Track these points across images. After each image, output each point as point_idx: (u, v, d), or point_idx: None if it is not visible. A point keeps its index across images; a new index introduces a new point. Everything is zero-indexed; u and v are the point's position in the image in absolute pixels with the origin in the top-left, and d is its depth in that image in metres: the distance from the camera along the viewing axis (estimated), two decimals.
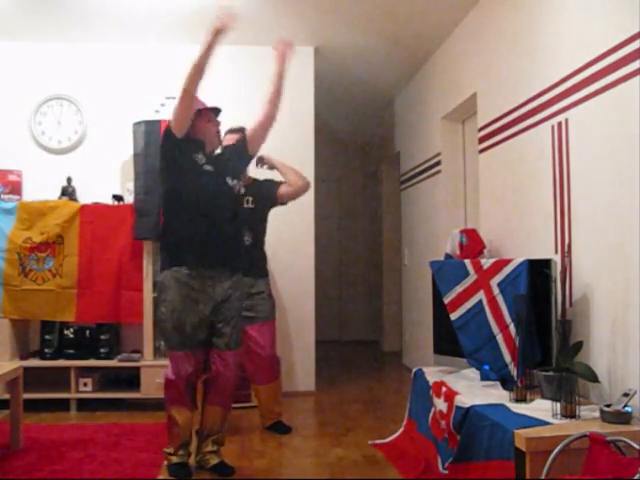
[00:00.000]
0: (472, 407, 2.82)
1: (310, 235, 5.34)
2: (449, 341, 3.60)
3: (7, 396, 3.77)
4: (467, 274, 3.44)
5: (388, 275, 7.67)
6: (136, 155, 4.68)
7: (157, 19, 4.72)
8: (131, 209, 4.67)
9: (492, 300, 3.26)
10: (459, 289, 3.48)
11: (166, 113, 4.53)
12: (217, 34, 3.03)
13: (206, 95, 3.43)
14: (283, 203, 4.16)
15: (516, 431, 2.42)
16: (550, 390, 2.77)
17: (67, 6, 4.50)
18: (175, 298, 3.18)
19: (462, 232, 4.01)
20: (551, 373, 2.82)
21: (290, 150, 5.15)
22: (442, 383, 3.26)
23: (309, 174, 5.25)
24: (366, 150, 8.73)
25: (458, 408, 2.93)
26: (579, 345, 2.89)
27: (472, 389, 3.14)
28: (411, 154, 6.28)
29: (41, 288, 4.66)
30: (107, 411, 4.59)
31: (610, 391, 2.81)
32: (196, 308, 3.18)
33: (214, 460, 3.33)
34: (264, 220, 4.17)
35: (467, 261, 3.50)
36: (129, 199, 4.83)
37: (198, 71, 3.08)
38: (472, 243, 3.93)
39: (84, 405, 4.64)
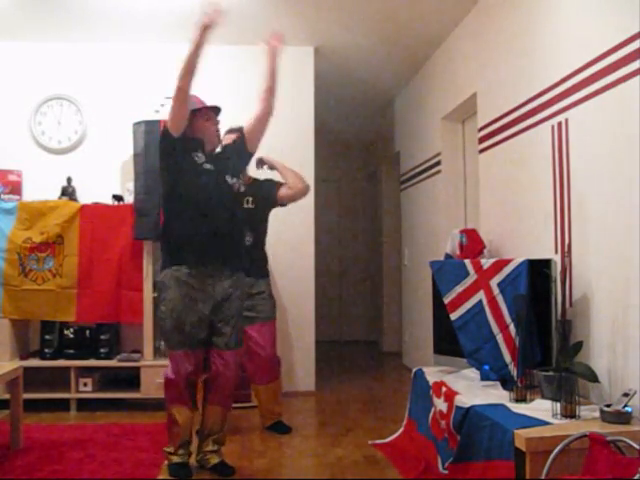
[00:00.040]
0: (472, 407, 2.82)
1: (310, 235, 5.34)
2: (449, 341, 3.60)
3: (7, 396, 3.77)
4: (467, 274, 3.44)
5: (388, 275, 7.67)
6: (136, 155, 4.68)
7: (157, 19, 4.72)
8: (131, 209, 4.67)
9: (492, 300, 3.26)
10: (459, 289, 3.48)
11: (166, 113, 4.52)
12: (205, 30, 3.04)
13: (206, 95, 3.44)
14: (283, 204, 4.16)
15: (516, 431, 2.42)
16: (550, 390, 2.77)
17: (67, 6, 4.50)
18: (175, 297, 3.18)
19: (462, 232, 4.01)
20: (551, 373, 2.83)
21: (290, 150, 5.16)
22: (442, 383, 3.26)
23: (309, 174, 5.27)
24: (366, 150, 8.74)
25: (458, 408, 2.93)
26: (579, 345, 2.89)
27: (472, 389, 3.14)
28: (411, 154, 6.28)
29: (41, 288, 4.66)
30: (107, 411, 4.59)
31: (610, 391, 2.81)
32: (196, 307, 3.18)
33: (214, 460, 3.33)
34: (265, 220, 4.17)
35: (467, 261, 3.50)
36: (129, 199, 4.83)
37: (189, 68, 3.08)
38: (472, 243, 3.93)
39: (84, 405, 4.64)
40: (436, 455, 3.18)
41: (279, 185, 4.10)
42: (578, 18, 3.13)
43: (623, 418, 2.47)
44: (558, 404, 2.60)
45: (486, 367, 3.28)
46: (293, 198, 4.13)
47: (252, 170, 4.09)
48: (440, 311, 3.68)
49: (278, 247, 4.87)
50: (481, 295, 3.34)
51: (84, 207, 4.75)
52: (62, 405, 4.59)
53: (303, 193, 4.14)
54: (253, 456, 3.62)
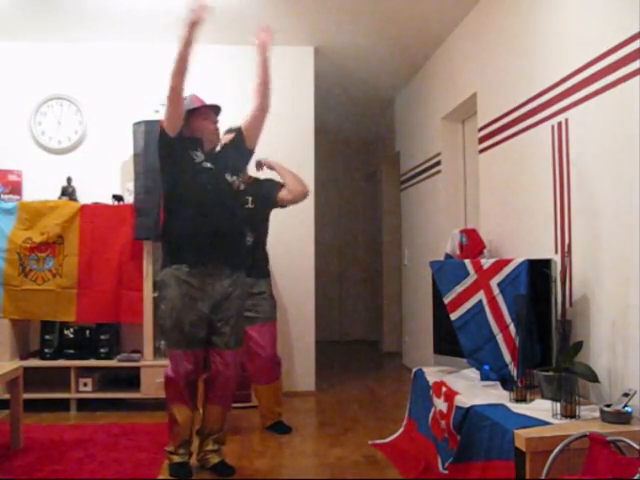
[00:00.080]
0: (472, 407, 2.82)
1: (310, 235, 5.34)
2: (449, 341, 3.60)
3: (7, 396, 3.77)
4: (467, 274, 3.44)
5: (388, 275, 7.67)
6: (136, 155, 4.68)
7: (157, 19, 4.72)
8: (131, 209, 4.67)
9: (492, 300, 3.26)
10: (459, 289, 3.48)
11: None
12: (192, 27, 3.04)
13: (207, 95, 3.44)
14: (283, 206, 4.15)
15: (516, 431, 2.42)
16: (550, 390, 2.77)
17: (67, 6, 4.50)
18: (174, 296, 3.18)
19: (462, 232, 4.01)
20: (551, 373, 2.83)
21: (290, 150, 5.16)
22: (442, 383, 3.26)
23: (309, 174, 5.27)
24: (366, 150, 8.74)
25: (458, 408, 2.93)
26: (579, 345, 2.89)
27: (472, 389, 3.13)
28: (411, 154, 6.28)
29: (41, 288, 4.66)
30: (107, 411, 4.59)
31: (610, 391, 2.81)
32: (195, 306, 3.18)
33: (215, 459, 3.33)
34: (265, 220, 4.16)
35: (467, 261, 3.50)
36: (129, 199, 4.83)
37: (180, 67, 3.09)
38: (472, 243, 3.93)
39: (84, 405, 4.64)
40: (436, 455, 3.18)
41: (280, 186, 4.09)
42: (578, 18, 3.13)
43: (623, 418, 2.47)
44: (558, 404, 2.60)
45: (486, 367, 3.28)
46: (292, 201, 4.11)
47: (252, 170, 4.09)
48: (440, 311, 3.68)
49: (278, 247, 4.86)
50: (481, 295, 3.34)
51: (84, 207, 4.75)
52: (62, 405, 4.59)
53: (302, 196, 4.12)
54: (253, 456, 3.62)
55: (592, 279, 2.97)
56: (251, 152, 3.49)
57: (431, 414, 3.35)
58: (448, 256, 3.98)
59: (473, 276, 3.40)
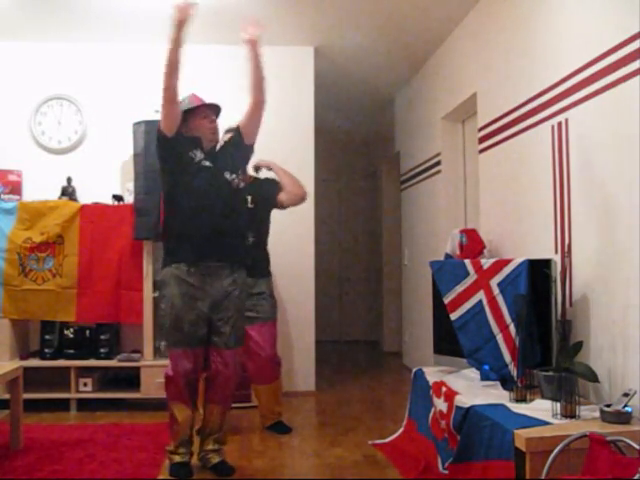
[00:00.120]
0: (472, 407, 2.82)
1: (310, 235, 5.34)
2: (449, 341, 3.60)
3: (7, 396, 3.77)
4: (467, 274, 3.44)
5: (388, 275, 7.67)
6: (136, 155, 4.68)
7: (157, 19, 4.72)
8: (131, 209, 4.67)
9: (492, 300, 3.26)
10: (459, 289, 3.48)
11: None
12: (180, 26, 3.04)
13: (207, 95, 3.44)
14: (282, 207, 4.14)
15: (516, 431, 2.42)
16: (550, 390, 2.77)
17: (67, 6, 4.50)
18: (174, 295, 3.19)
19: (462, 232, 4.01)
20: (551, 373, 2.83)
21: (290, 150, 5.16)
22: (442, 383, 3.26)
23: (309, 174, 5.27)
24: (366, 150, 8.74)
25: (458, 408, 2.93)
26: (579, 345, 2.89)
27: (472, 389, 3.13)
28: (411, 154, 6.28)
29: (41, 288, 4.66)
30: (107, 411, 4.59)
31: (610, 391, 2.81)
32: (195, 305, 3.18)
33: (215, 459, 3.33)
34: (265, 220, 4.15)
35: (467, 261, 3.50)
36: (129, 199, 4.83)
37: (172, 68, 3.09)
38: (472, 243, 3.93)
39: (84, 405, 4.64)
40: (436, 455, 3.18)
41: (280, 187, 4.09)
42: (578, 18, 3.13)
43: (623, 418, 2.47)
44: (558, 404, 2.60)
45: (486, 367, 3.28)
46: (290, 204, 4.10)
47: (251, 171, 4.08)
48: (440, 311, 3.68)
49: (278, 247, 4.86)
50: (481, 295, 3.34)
51: (84, 207, 4.75)
52: (62, 405, 4.59)
53: (301, 199, 4.11)
54: (253, 456, 3.62)
55: (592, 279, 2.97)
56: (251, 149, 3.48)
57: (431, 414, 3.35)
58: (448, 256, 3.98)
59: (473, 276, 3.40)
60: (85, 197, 4.94)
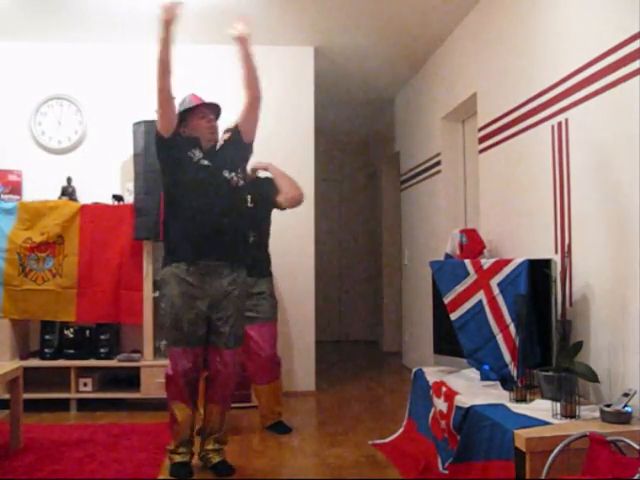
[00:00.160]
0: (472, 407, 2.82)
1: (310, 235, 5.34)
2: (449, 341, 3.60)
3: (7, 396, 3.77)
4: (467, 274, 3.44)
5: (388, 275, 7.67)
6: (136, 155, 4.68)
7: (157, 19, 4.71)
8: (131, 209, 4.67)
9: (492, 300, 3.26)
10: (459, 289, 3.48)
11: None
12: (167, 26, 3.05)
13: (207, 95, 3.44)
14: (281, 208, 4.13)
15: (516, 431, 2.42)
16: (550, 390, 2.77)
17: (67, 6, 4.50)
18: (173, 294, 3.19)
19: (462, 232, 4.01)
20: (551, 373, 2.83)
21: (290, 150, 5.17)
22: (442, 383, 3.26)
23: (309, 174, 5.27)
24: (366, 150, 8.74)
25: (458, 408, 2.93)
26: (579, 345, 2.89)
27: (472, 389, 3.14)
28: (411, 154, 6.28)
29: (41, 288, 4.66)
30: (107, 411, 4.59)
31: (610, 391, 2.81)
32: (194, 304, 3.19)
33: (216, 459, 3.33)
34: (265, 219, 4.14)
35: (467, 261, 3.50)
36: (129, 199, 4.83)
37: (163, 68, 3.09)
38: (472, 243, 3.93)
39: (84, 405, 4.64)
40: (436, 455, 3.18)
41: (277, 189, 4.08)
42: (578, 18, 3.13)
43: (623, 418, 2.47)
44: (558, 404, 2.60)
45: (486, 367, 3.28)
46: (288, 206, 4.09)
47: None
48: (440, 311, 3.68)
49: (278, 247, 4.86)
50: (481, 295, 3.34)
51: (84, 207, 4.75)
52: (62, 405, 4.59)
53: (297, 201, 4.10)
54: (253, 456, 3.62)
55: (592, 279, 2.97)
56: (250, 147, 3.45)
57: (431, 414, 3.35)
58: (448, 256, 3.98)
59: (473, 276, 3.40)
60: (85, 197, 4.93)
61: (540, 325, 3.01)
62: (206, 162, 3.26)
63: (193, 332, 3.20)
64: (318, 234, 5.66)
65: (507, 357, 3.15)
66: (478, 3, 4.42)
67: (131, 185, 4.77)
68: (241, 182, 3.34)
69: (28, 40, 5.12)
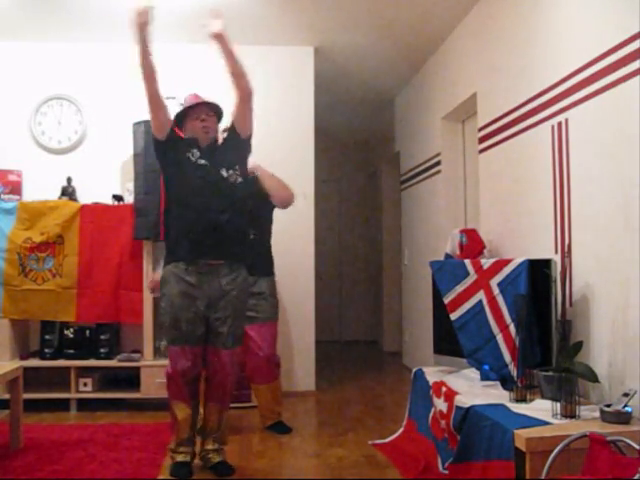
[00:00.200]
0: (472, 407, 2.82)
1: (310, 235, 5.34)
2: (449, 341, 3.60)
3: (7, 396, 3.76)
4: (467, 274, 3.44)
5: (388, 275, 7.67)
6: (136, 155, 4.68)
7: (157, 19, 4.70)
8: (131, 209, 4.67)
9: (492, 300, 3.26)
10: (459, 289, 3.48)
11: None
12: (141, 30, 3.08)
13: (207, 94, 3.44)
14: (280, 207, 4.11)
15: (516, 431, 2.42)
16: (550, 390, 2.77)
17: (67, 6, 4.50)
18: (172, 293, 3.20)
19: (462, 232, 4.01)
20: (551, 373, 2.82)
21: (290, 150, 5.17)
22: (442, 383, 3.26)
23: (309, 174, 5.28)
24: (366, 150, 8.74)
25: (458, 408, 2.93)
26: (579, 345, 2.89)
27: (472, 389, 3.14)
28: (411, 154, 6.28)
29: (41, 288, 4.66)
30: (107, 411, 4.59)
31: (610, 391, 2.81)
32: (193, 304, 3.19)
33: (215, 459, 3.33)
34: (265, 217, 4.11)
35: (467, 261, 3.50)
36: (129, 199, 4.83)
37: (146, 73, 3.12)
38: (472, 243, 3.93)
39: (84, 405, 4.64)
40: (436, 455, 3.18)
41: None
42: (578, 18, 3.13)
43: (623, 418, 2.47)
44: (558, 404, 2.60)
45: (486, 367, 3.28)
46: (280, 207, 4.06)
47: None
48: (440, 311, 3.68)
49: (278, 247, 4.85)
50: (481, 295, 3.34)
51: (84, 207, 4.75)
52: (62, 405, 4.59)
53: (288, 203, 4.04)
54: (253, 456, 3.61)
55: (592, 279, 2.97)
56: (247, 143, 3.40)
57: (431, 414, 3.35)
58: (448, 256, 3.98)
59: (473, 276, 3.40)
60: (85, 197, 4.94)
61: (540, 325, 3.01)
62: (203, 161, 3.26)
63: (192, 331, 3.20)
64: (318, 234, 5.66)
65: (507, 357, 3.15)
66: (478, 3, 4.42)
67: (131, 185, 4.77)
68: (239, 180, 3.31)
69: (28, 40, 5.12)
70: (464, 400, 2.92)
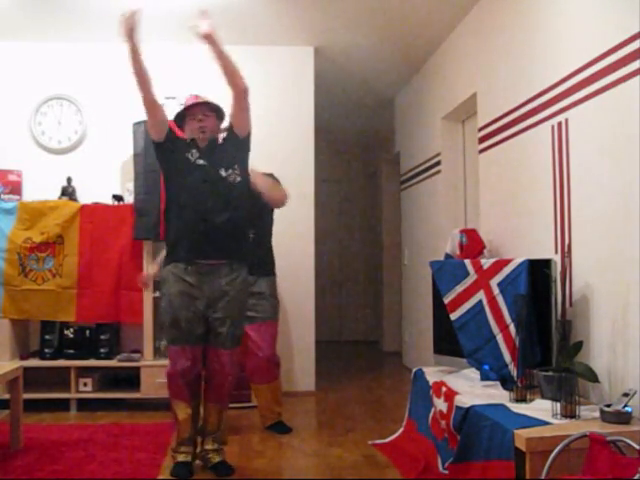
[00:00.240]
0: (472, 407, 2.82)
1: (310, 235, 5.34)
2: (449, 341, 3.60)
3: (7, 396, 3.77)
4: (467, 274, 3.44)
5: (388, 275, 7.67)
6: (136, 155, 4.69)
7: (156, 19, 4.72)
8: (131, 209, 4.67)
9: (492, 300, 3.26)
10: (459, 289, 3.48)
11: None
12: (129, 35, 3.09)
13: (208, 95, 3.44)
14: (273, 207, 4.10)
15: (516, 431, 2.42)
16: (550, 390, 2.77)
17: (67, 6, 4.50)
18: (172, 293, 3.20)
19: (462, 232, 4.01)
20: (551, 373, 2.83)
21: (290, 150, 5.17)
22: (442, 383, 3.26)
23: (309, 174, 5.28)
24: (366, 150, 8.74)
25: (458, 408, 2.93)
26: (579, 345, 2.89)
27: (472, 389, 3.13)
28: (411, 154, 6.28)
29: (41, 288, 4.66)
30: (107, 411, 4.59)
31: (610, 391, 2.81)
32: (191, 303, 3.19)
33: (215, 459, 3.33)
34: (264, 216, 4.09)
35: (467, 261, 3.50)
36: (129, 199, 4.83)
37: (139, 77, 3.15)
38: (472, 243, 3.93)
39: (84, 405, 4.64)
40: (436, 455, 3.18)
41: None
42: (578, 18, 3.13)
43: (623, 418, 2.47)
44: (558, 404, 2.60)
45: (486, 367, 3.28)
46: (274, 207, 4.05)
47: None
48: (440, 311, 3.68)
49: (278, 247, 4.85)
50: (481, 295, 3.34)
51: (84, 207, 4.75)
52: (62, 405, 4.59)
53: (281, 203, 4.01)
54: (253, 456, 3.61)
55: (592, 279, 2.97)
56: (246, 142, 3.38)
57: (431, 414, 3.35)
58: (448, 256, 3.98)
59: (473, 276, 3.40)
60: (85, 197, 4.94)
61: (540, 325, 3.01)
62: (202, 161, 3.26)
63: (191, 331, 3.20)
64: (318, 234, 5.66)
65: (507, 357, 3.15)
66: (478, 3, 4.42)
67: (131, 185, 4.78)
68: (238, 179, 3.30)
69: (28, 40, 5.12)
70: (464, 400, 2.92)
